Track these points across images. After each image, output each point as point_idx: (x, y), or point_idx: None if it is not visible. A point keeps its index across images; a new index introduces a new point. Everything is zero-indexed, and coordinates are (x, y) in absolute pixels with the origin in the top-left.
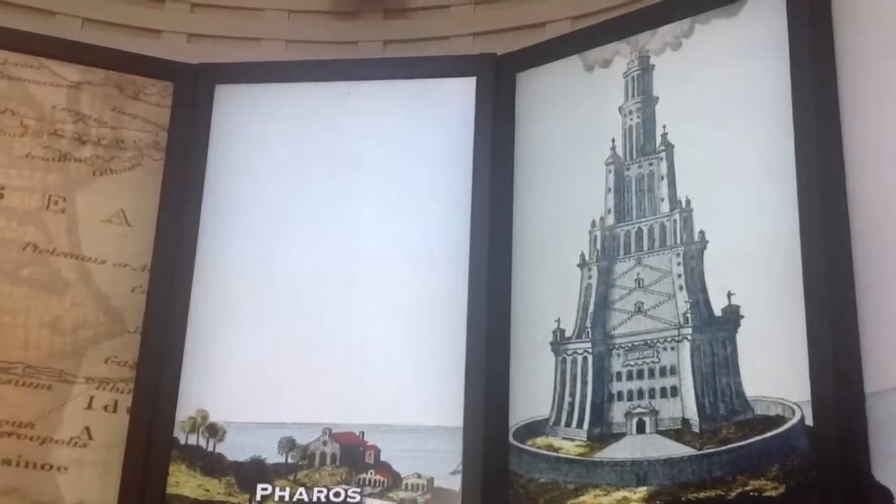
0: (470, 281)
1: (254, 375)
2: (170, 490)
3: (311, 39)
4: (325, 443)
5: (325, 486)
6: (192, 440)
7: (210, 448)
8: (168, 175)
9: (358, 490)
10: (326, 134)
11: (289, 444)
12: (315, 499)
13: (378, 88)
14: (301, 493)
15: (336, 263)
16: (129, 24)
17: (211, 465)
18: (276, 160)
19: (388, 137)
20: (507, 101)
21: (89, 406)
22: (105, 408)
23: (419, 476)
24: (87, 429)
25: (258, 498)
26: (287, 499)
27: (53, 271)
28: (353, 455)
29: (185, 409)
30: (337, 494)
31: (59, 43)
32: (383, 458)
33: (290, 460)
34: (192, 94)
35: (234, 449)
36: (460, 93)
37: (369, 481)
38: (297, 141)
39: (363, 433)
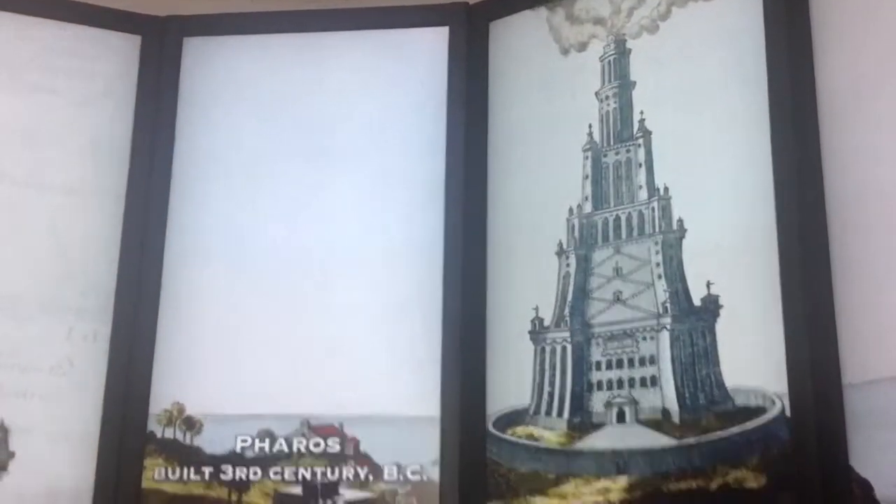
0: (445, 269)
1: (230, 367)
2: (146, 485)
3: None
4: (303, 434)
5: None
6: (169, 434)
7: (187, 441)
8: (137, 135)
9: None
10: (296, 89)
11: (267, 436)
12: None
13: (347, 39)
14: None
15: (310, 251)
16: None
17: (188, 458)
18: (246, 118)
19: (360, 99)
20: (481, 52)
21: (69, 336)
22: (84, 337)
23: (399, 467)
24: (68, 357)
25: (238, 450)
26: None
27: (25, 203)
28: (332, 446)
29: (161, 402)
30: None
31: None
32: (363, 449)
33: (268, 452)
34: (159, 48)
35: (212, 442)
36: (432, 43)
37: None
38: (268, 96)
39: (342, 424)
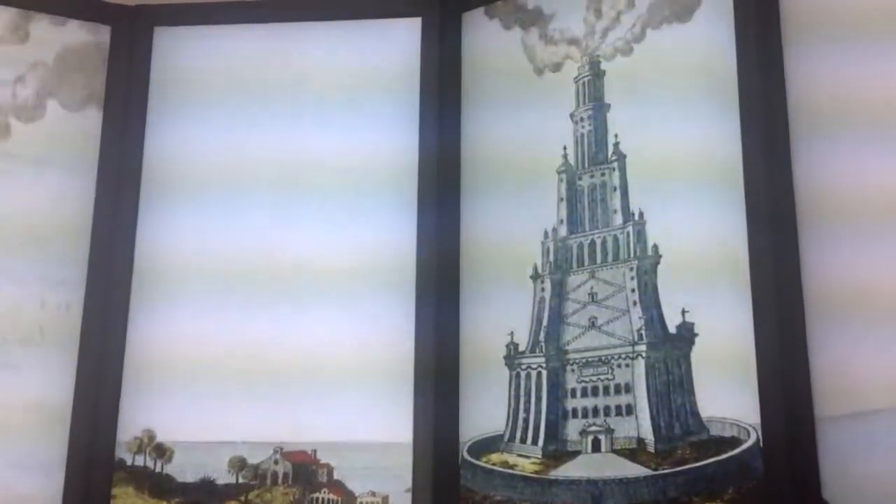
0: (418, 292)
1: (201, 394)
2: None
3: None
4: (276, 462)
5: None
6: (139, 461)
7: (158, 469)
8: (107, 121)
9: None
10: (267, 79)
11: (239, 464)
12: None
13: (319, 29)
14: None
15: (283, 274)
16: None
17: (159, 486)
18: (217, 108)
19: (332, 90)
20: (454, 43)
21: (42, 306)
22: (57, 307)
23: (373, 494)
24: (41, 328)
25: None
26: None
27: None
28: (305, 474)
29: (131, 430)
30: None
31: None
32: (336, 476)
33: (241, 480)
34: (129, 37)
35: (183, 470)
36: (404, 33)
37: (323, 500)
38: (239, 86)
39: (315, 451)
